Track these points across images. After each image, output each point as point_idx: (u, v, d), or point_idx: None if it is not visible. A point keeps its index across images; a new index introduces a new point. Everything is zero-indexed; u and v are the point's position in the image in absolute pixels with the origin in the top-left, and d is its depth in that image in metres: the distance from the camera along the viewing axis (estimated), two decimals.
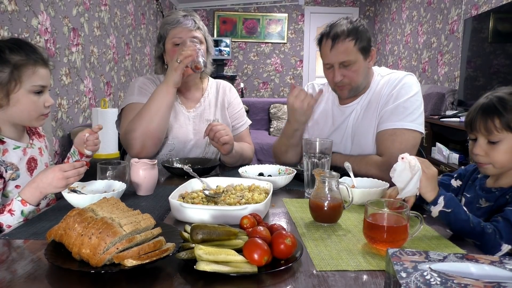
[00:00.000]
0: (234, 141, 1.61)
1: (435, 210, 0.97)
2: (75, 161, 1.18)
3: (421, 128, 1.50)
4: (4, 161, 1.18)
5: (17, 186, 1.19)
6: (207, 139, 1.61)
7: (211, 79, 1.87)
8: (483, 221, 0.97)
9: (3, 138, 1.20)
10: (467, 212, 0.96)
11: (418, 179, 0.96)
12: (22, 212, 1.07)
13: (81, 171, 1.12)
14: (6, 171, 1.17)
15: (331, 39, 1.47)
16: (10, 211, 1.06)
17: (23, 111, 1.20)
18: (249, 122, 1.89)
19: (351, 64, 1.47)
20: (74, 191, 1.14)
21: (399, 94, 1.50)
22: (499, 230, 0.95)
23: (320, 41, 1.54)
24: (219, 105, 1.79)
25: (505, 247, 0.94)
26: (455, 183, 1.26)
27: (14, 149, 1.22)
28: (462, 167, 1.27)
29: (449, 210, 0.95)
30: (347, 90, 1.54)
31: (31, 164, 1.26)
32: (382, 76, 1.59)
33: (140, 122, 1.51)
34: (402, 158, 0.99)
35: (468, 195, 1.16)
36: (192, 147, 1.73)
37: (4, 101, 1.17)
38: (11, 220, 1.06)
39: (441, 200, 0.96)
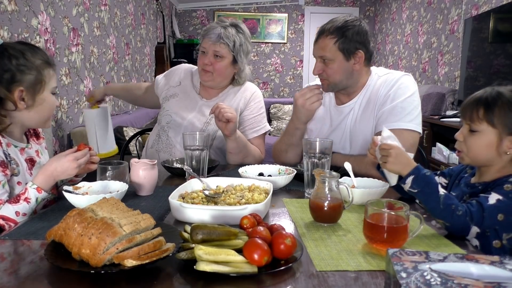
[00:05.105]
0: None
1: (405, 188, 1.03)
2: (77, 147, 1.20)
3: (419, 128, 1.51)
4: (9, 154, 1.18)
5: (18, 183, 1.19)
6: (207, 118, 1.78)
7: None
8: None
9: (4, 136, 1.20)
10: (441, 192, 0.98)
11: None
12: (36, 199, 1.10)
13: (92, 157, 1.23)
14: (10, 164, 1.18)
15: (318, 33, 1.56)
16: (26, 199, 1.09)
17: (45, 111, 1.24)
18: (267, 128, 1.91)
19: (328, 60, 1.53)
20: (70, 191, 1.14)
21: (396, 94, 1.51)
22: (471, 213, 0.97)
23: None
24: (234, 106, 1.81)
25: (474, 229, 0.98)
26: (438, 180, 1.26)
27: (14, 146, 1.23)
28: (451, 167, 1.28)
29: (416, 191, 1.00)
30: (326, 85, 1.59)
31: (28, 164, 1.26)
32: (379, 76, 1.60)
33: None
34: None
35: (453, 194, 1.17)
36: (188, 124, 1.79)
37: (30, 102, 1.20)
38: (27, 208, 1.09)
39: (408, 180, 1.01)
